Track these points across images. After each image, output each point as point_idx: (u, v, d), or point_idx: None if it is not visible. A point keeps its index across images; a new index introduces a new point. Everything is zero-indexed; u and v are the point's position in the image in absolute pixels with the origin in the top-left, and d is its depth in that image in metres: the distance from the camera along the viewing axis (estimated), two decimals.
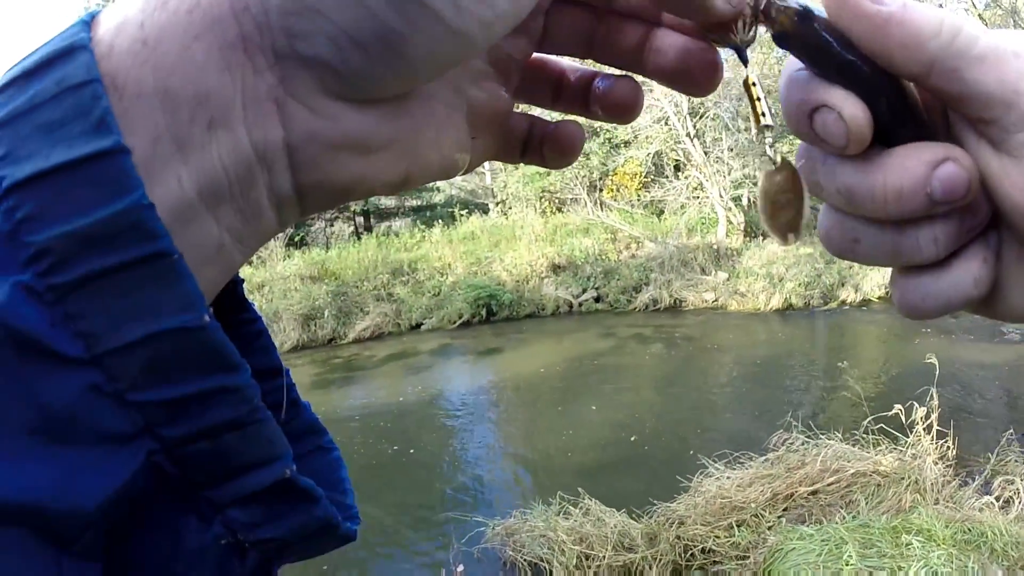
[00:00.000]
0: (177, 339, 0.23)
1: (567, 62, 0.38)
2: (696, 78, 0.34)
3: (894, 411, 4.98)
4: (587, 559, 4.43)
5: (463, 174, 0.36)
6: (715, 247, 14.39)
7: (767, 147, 0.35)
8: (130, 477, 0.23)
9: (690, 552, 4.46)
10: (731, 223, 15.37)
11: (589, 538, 4.54)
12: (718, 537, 4.47)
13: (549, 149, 0.37)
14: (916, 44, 0.28)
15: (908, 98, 0.30)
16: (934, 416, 4.96)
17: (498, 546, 4.79)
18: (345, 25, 0.25)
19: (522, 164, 0.40)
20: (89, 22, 0.25)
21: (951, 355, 6.95)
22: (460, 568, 4.60)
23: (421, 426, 8.14)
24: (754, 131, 0.36)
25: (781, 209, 0.34)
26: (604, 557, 4.39)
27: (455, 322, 13.41)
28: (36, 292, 0.21)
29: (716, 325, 11.82)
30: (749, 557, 4.23)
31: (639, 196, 17.28)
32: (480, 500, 6.03)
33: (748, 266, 13.45)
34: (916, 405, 5.00)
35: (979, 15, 12.35)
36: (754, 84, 0.34)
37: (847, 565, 3.52)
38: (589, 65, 0.38)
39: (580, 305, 13.95)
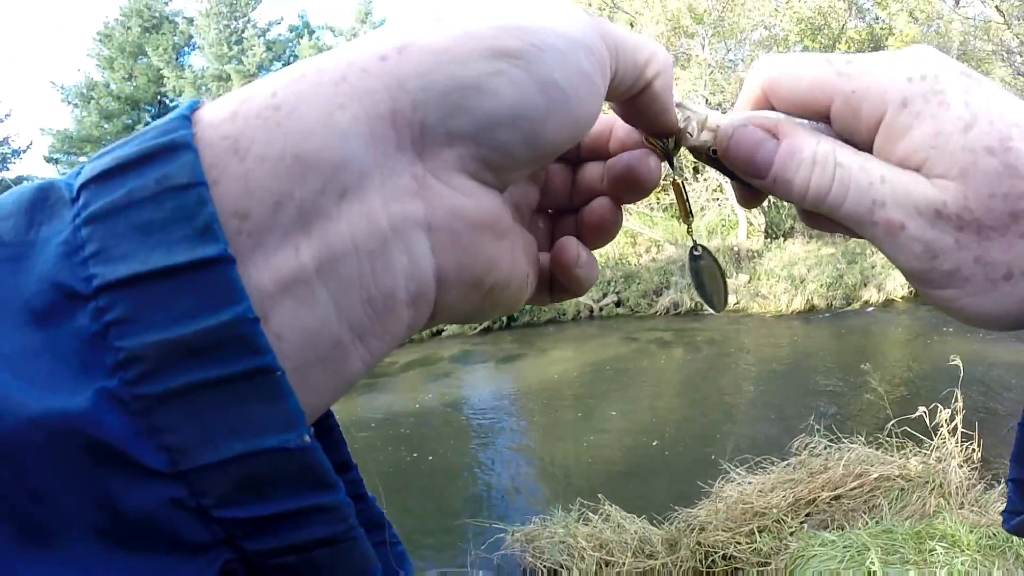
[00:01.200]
0: (275, 459, 0.22)
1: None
2: (640, 175, 0.38)
3: (918, 413, 4.90)
4: (607, 565, 4.40)
5: (519, 308, 0.38)
6: (736, 249, 14.31)
7: (692, 237, 0.44)
8: None
9: (711, 559, 4.42)
10: (751, 225, 15.27)
11: (609, 544, 4.52)
12: (739, 543, 4.42)
13: (558, 274, 0.39)
14: (786, 196, 0.38)
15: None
16: (959, 418, 4.88)
17: (518, 552, 4.77)
18: (501, 103, 0.27)
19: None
20: (190, 116, 0.24)
21: (975, 356, 6.84)
22: (480, 574, 4.60)
23: (441, 432, 8.15)
24: (684, 224, 0.46)
25: (706, 285, 0.45)
26: (624, 564, 4.36)
27: (476, 328, 13.43)
28: (122, 401, 0.20)
29: (737, 328, 11.74)
30: (771, 564, 4.18)
31: (658, 199, 17.20)
32: (500, 506, 6.02)
33: (769, 268, 13.36)
34: (940, 407, 4.92)
35: (996, 7, 12.19)
36: (679, 184, 0.44)
37: (870, 572, 3.47)
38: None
39: (601, 310, 13.93)
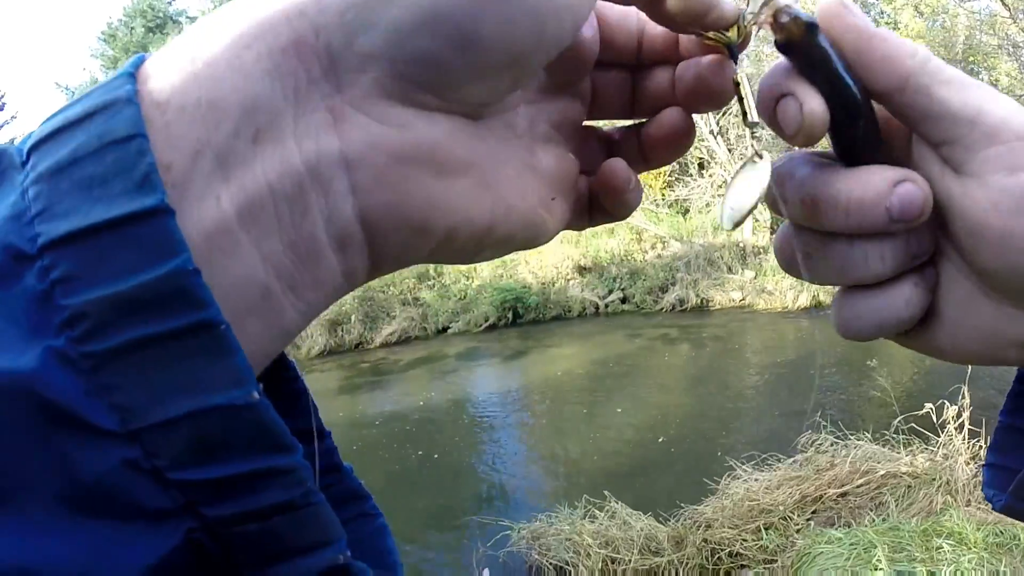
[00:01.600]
0: (224, 417, 0.21)
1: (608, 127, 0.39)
2: (713, 89, 0.34)
3: (925, 410, 4.89)
4: (613, 563, 4.41)
5: (546, 241, 0.35)
6: (741, 245, 14.28)
7: (752, 141, 0.37)
8: (167, 554, 0.21)
9: (717, 556, 4.42)
10: (757, 220, 15.24)
11: (615, 541, 4.52)
12: (745, 540, 4.43)
13: (604, 199, 0.35)
14: (896, 58, 0.30)
15: (879, 128, 0.32)
16: (966, 415, 4.87)
17: (524, 550, 4.78)
18: (409, 9, 0.24)
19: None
20: (134, 73, 0.23)
21: None
22: (486, 572, 4.60)
23: (447, 430, 8.16)
24: (745, 128, 0.38)
25: (732, 190, 0.37)
26: (630, 561, 4.37)
27: (481, 325, 13.44)
28: (70, 359, 0.20)
29: (743, 325, 11.73)
30: (777, 561, 4.18)
31: (664, 195, 17.17)
32: (506, 503, 6.03)
33: (775, 264, 13.29)
34: (947, 404, 4.91)
35: (1002, 1, 12.14)
36: (739, 84, 0.36)
37: (876, 569, 3.47)
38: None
39: (606, 306, 13.92)
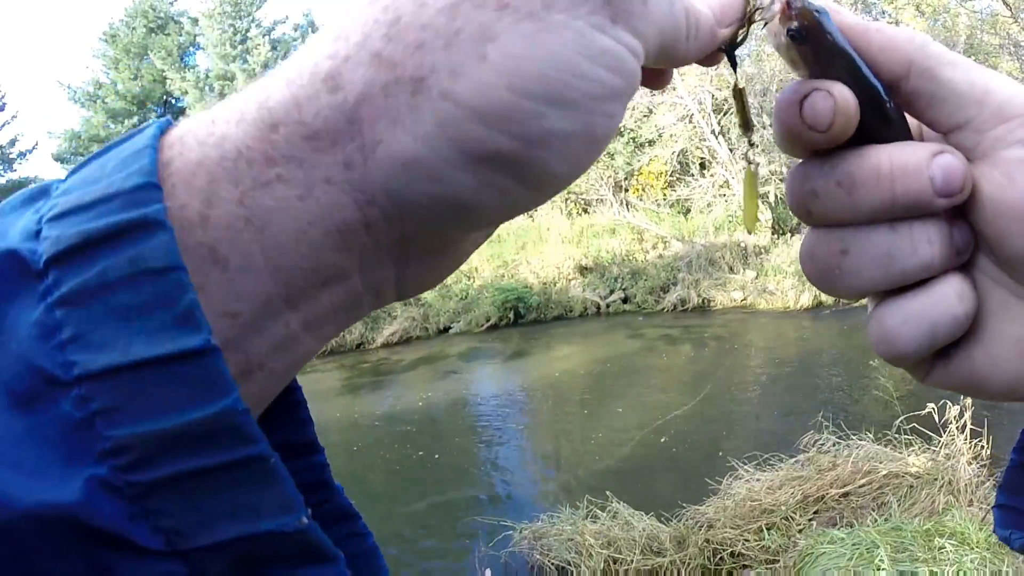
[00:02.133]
0: (273, 540, 0.22)
1: None
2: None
3: (927, 410, 4.89)
4: (615, 563, 4.41)
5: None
6: (743, 245, 14.27)
7: (750, 147, 0.38)
8: None
9: (719, 556, 4.42)
10: (759, 221, 15.23)
11: (617, 542, 4.52)
12: (747, 540, 4.43)
13: None
14: (895, 46, 0.31)
15: (903, 112, 0.32)
16: (967, 415, 4.87)
17: (526, 550, 4.78)
18: (487, 215, 0.27)
19: None
20: (155, 181, 0.23)
21: None
22: (488, 572, 4.60)
23: (449, 430, 8.16)
24: (742, 135, 0.39)
25: (752, 201, 0.40)
26: (632, 561, 4.37)
27: (483, 325, 13.44)
28: (114, 487, 0.20)
29: (745, 324, 11.72)
30: (779, 561, 4.18)
31: (665, 195, 17.18)
32: (508, 504, 6.03)
33: (776, 264, 13.32)
34: (949, 404, 4.91)
35: (1003, 0, 12.13)
36: (741, 90, 0.37)
37: (879, 570, 3.47)
38: None
39: (608, 306, 13.91)
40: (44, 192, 0.24)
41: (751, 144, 0.39)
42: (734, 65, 0.35)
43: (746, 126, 0.38)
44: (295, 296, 0.24)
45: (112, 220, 0.21)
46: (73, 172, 0.24)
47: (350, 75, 0.24)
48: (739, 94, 0.37)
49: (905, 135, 0.31)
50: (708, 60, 0.33)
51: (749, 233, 0.37)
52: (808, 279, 0.35)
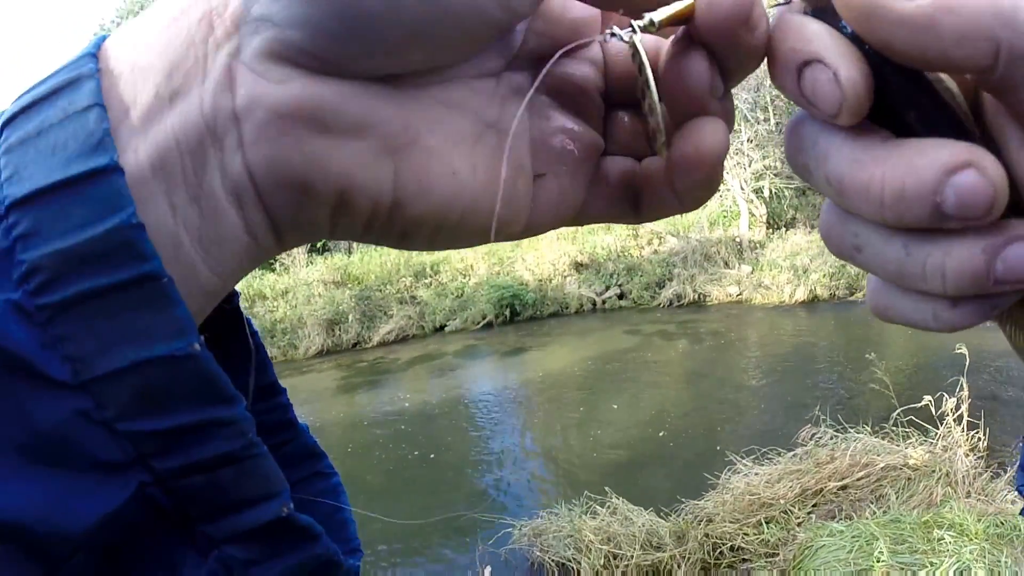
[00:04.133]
0: (167, 368, 0.22)
1: None
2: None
3: (924, 402, 4.91)
4: (615, 559, 4.41)
5: (529, 230, 0.30)
6: (738, 240, 14.29)
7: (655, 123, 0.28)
8: (121, 505, 0.22)
9: (719, 550, 4.43)
10: (753, 215, 15.25)
11: (617, 537, 4.53)
12: (747, 534, 4.43)
13: (677, 177, 0.29)
14: (976, 37, 0.20)
15: (939, 81, 0.23)
16: (964, 407, 4.89)
17: (525, 547, 4.78)
18: None
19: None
20: (96, 53, 0.25)
21: (981, 344, 6.83)
22: (488, 569, 4.60)
23: (447, 428, 8.16)
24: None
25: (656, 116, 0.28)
26: (632, 557, 4.37)
27: (479, 323, 13.44)
28: (26, 311, 0.21)
29: (741, 319, 11.73)
30: (778, 554, 4.19)
31: None
32: (507, 501, 6.03)
33: (772, 258, 13.34)
34: (946, 396, 4.92)
35: None
36: (636, 51, 0.28)
37: (878, 562, 3.47)
38: None
39: (604, 303, 13.92)
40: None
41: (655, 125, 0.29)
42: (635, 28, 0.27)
43: (644, 98, 0.29)
44: (146, 108, 0.24)
45: (55, 80, 0.24)
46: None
47: None
48: (633, 57, 0.28)
49: (940, 127, 0.23)
50: None
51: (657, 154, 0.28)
52: (829, 251, 0.28)
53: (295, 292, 14.47)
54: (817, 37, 0.23)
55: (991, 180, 0.21)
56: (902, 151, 0.23)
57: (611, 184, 0.31)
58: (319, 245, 18.14)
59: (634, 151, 0.31)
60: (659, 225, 15.70)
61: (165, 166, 0.24)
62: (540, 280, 14.49)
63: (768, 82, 15.05)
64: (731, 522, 4.54)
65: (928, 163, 0.22)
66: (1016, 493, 3.99)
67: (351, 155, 0.25)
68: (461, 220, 0.28)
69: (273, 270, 15.94)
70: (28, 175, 0.22)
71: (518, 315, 13.64)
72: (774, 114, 15.30)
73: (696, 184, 0.29)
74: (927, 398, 4.89)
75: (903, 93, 0.23)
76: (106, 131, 0.22)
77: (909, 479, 4.55)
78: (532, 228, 0.30)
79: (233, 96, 0.24)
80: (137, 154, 0.24)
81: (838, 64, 0.22)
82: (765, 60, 0.26)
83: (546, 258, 14.91)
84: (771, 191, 15.43)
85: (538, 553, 4.65)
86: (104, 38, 0.26)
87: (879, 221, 0.24)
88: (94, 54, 0.25)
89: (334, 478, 0.38)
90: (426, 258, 15.59)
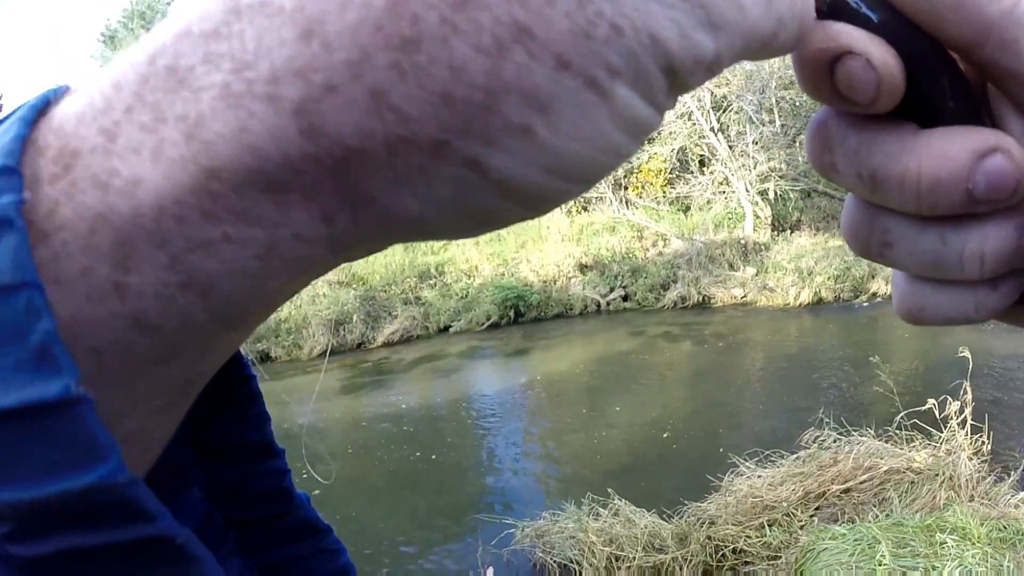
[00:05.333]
0: None
1: None
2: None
3: (927, 406, 4.89)
4: (617, 560, 4.42)
5: None
6: (743, 242, 14.27)
7: None
8: None
9: (721, 552, 4.43)
10: (758, 217, 15.23)
11: (619, 539, 4.53)
12: (749, 537, 4.43)
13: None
14: (972, 5, 0.22)
15: (959, 71, 0.24)
16: (968, 410, 4.88)
17: (528, 548, 4.79)
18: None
19: None
20: (15, 164, 0.17)
21: (985, 348, 6.82)
22: (490, 570, 4.61)
23: (450, 428, 8.16)
24: None
25: None
26: (634, 558, 4.37)
27: (483, 324, 13.42)
28: (2, 557, 0.17)
29: (745, 321, 11.71)
30: (781, 557, 4.18)
31: (664, 193, 17.17)
32: (510, 502, 6.03)
33: (777, 260, 13.32)
34: (949, 399, 4.91)
35: None
36: None
37: (880, 565, 3.47)
38: None
39: (608, 304, 13.90)
40: None
41: None
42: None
43: None
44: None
45: None
46: None
47: (335, 116, 0.17)
48: None
49: (960, 108, 0.24)
50: None
51: None
52: (854, 253, 0.29)
53: (300, 293, 14.47)
54: (842, 32, 0.23)
55: (1018, 163, 0.23)
56: (932, 140, 0.23)
57: None
58: None
59: None
60: (664, 227, 15.70)
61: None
62: (544, 281, 14.48)
63: (774, 84, 15.02)
64: (733, 524, 4.54)
65: (959, 150, 0.23)
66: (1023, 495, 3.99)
67: None
68: None
69: None
70: None
71: (522, 316, 13.63)
72: (779, 116, 15.28)
73: None
74: (931, 401, 4.88)
75: (927, 81, 0.24)
76: (49, 335, 0.16)
77: (912, 482, 4.54)
78: None
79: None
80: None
81: (870, 51, 0.22)
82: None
83: (551, 259, 14.90)
84: (776, 193, 15.41)
85: (540, 554, 4.66)
86: (28, 127, 0.18)
87: (914, 212, 0.25)
88: (14, 168, 0.17)
89: (342, 557, 0.35)
90: (431, 258, 15.60)
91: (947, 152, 0.23)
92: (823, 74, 0.23)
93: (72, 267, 0.17)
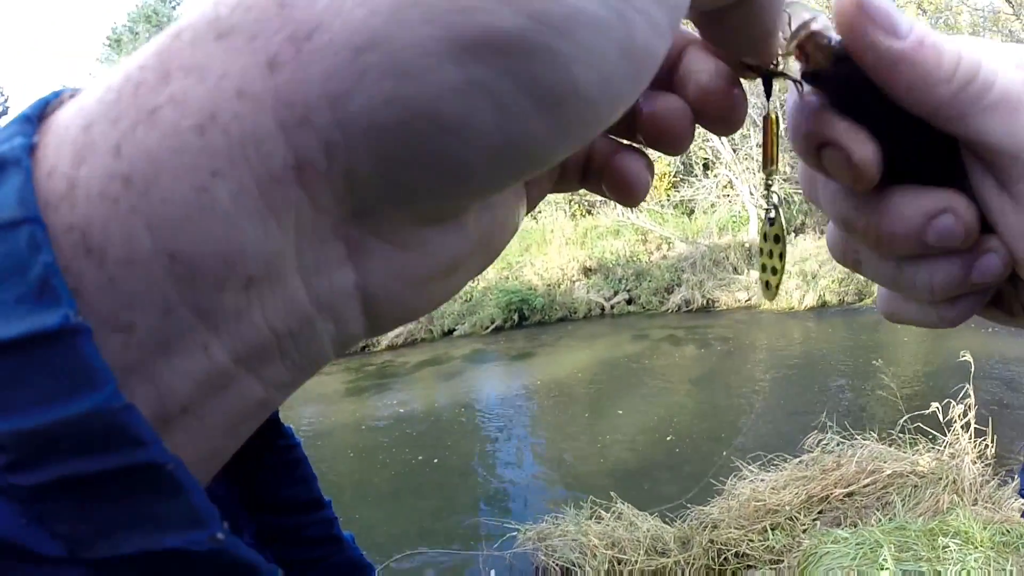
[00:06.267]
0: (186, 558, 0.18)
1: None
2: (720, 114, 0.28)
3: (931, 409, 4.89)
4: (619, 563, 4.40)
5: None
6: (747, 246, 14.26)
7: (770, 191, 0.35)
8: None
9: (723, 556, 4.42)
10: (762, 220, 15.22)
11: (621, 542, 4.52)
12: (752, 541, 4.42)
13: (608, 184, 0.29)
14: (923, 87, 0.25)
15: (925, 137, 0.28)
16: (971, 414, 4.86)
17: (530, 551, 4.78)
18: (478, 142, 0.19)
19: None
20: (35, 117, 0.18)
21: (989, 351, 6.81)
22: (492, 573, 4.61)
23: (453, 432, 8.16)
24: (762, 170, 0.34)
25: (767, 259, 0.36)
26: (636, 562, 4.36)
27: (487, 327, 13.42)
28: (0, 488, 0.17)
29: (749, 325, 11.70)
30: (783, 561, 4.17)
31: (669, 196, 17.17)
32: (512, 505, 6.03)
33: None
34: (953, 403, 4.90)
35: None
36: (773, 121, 0.32)
37: (883, 569, 3.46)
38: None
39: (612, 308, 13.90)
40: None
41: (769, 188, 0.34)
42: (769, 92, 0.30)
43: (768, 162, 0.33)
44: (206, 305, 0.18)
45: None
46: None
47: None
48: (769, 124, 0.32)
49: (922, 175, 0.28)
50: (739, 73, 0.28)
51: (769, 300, 0.37)
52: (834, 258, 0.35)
53: None
54: (828, 123, 0.27)
55: (963, 220, 0.28)
56: (892, 201, 0.28)
57: (568, 170, 0.30)
58: None
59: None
60: (668, 230, 15.68)
61: (258, 355, 0.20)
62: (549, 285, 14.48)
63: (777, 87, 15.03)
64: (736, 528, 4.52)
65: (913, 212, 0.28)
66: (1020, 497, 3.97)
67: (462, 279, 0.26)
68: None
69: None
70: None
71: (526, 320, 13.63)
72: (784, 119, 15.28)
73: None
74: (934, 405, 4.87)
75: (897, 148, 0.28)
76: (48, 266, 0.16)
77: (916, 486, 4.53)
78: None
79: (358, 272, 0.21)
80: (209, 351, 0.19)
81: (851, 147, 0.27)
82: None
83: (555, 263, 14.91)
84: (779, 196, 15.37)
85: (542, 557, 4.65)
86: (47, 102, 0.19)
87: (880, 254, 0.30)
88: (32, 117, 0.18)
89: None
90: None
91: (903, 213, 0.28)
92: (812, 153, 0.28)
93: (42, 169, 0.17)
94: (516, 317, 13.56)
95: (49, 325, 0.16)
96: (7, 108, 23.72)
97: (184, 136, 0.17)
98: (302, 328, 0.21)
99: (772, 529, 4.46)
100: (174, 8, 25.25)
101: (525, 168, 0.20)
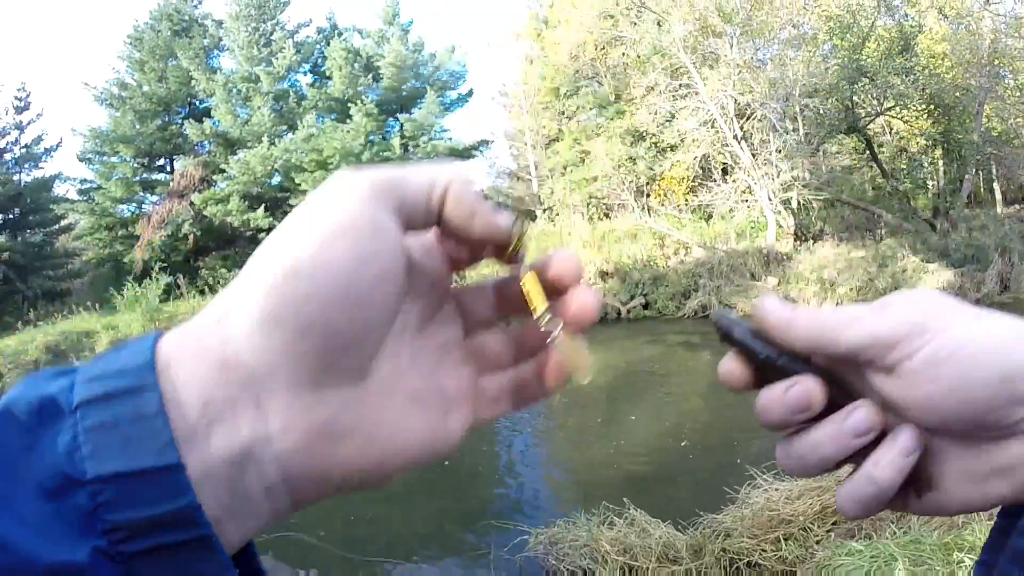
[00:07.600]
0: None
1: None
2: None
3: None
4: (631, 571, 4.40)
5: (453, 446, 0.42)
6: (765, 252, 14.19)
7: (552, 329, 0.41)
8: None
9: (735, 565, 4.40)
10: (781, 227, 15.13)
11: (633, 549, 4.51)
12: (764, 551, 4.40)
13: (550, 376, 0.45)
14: (830, 338, 0.42)
15: (797, 358, 0.44)
16: None
17: (540, 555, 4.78)
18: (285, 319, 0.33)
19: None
20: (152, 364, 0.32)
21: None
22: None
23: (466, 434, 8.15)
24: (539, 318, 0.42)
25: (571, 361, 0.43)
26: (648, 569, 4.35)
27: None
28: (110, 555, 0.29)
29: None
30: (796, 572, 4.15)
31: (687, 200, 17.13)
32: (523, 509, 6.03)
33: (799, 271, 13.23)
34: None
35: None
36: (525, 287, 0.42)
37: None
38: None
39: (628, 312, 13.89)
40: (68, 371, 0.33)
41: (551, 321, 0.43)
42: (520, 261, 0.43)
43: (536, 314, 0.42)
44: (185, 435, 0.31)
45: (124, 384, 0.31)
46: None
47: None
48: (524, 289, 0.43)
49: (795, 371, 0.43)
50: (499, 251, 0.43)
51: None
52: None
53: None
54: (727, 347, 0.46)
55: (806, 389, 0.42)
56: (770, 388, 0.43)
57: (493, 394, 0.45)
58: None
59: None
60: (686, 235, 15.63)
61: (215, 476, 0.32)
62: None
63: (798, 91, 14.93)
64: (749, 537, 4.50)
65: (778, 391, 0.43)
66: None
67: (349, 454, 0.36)
68: (421, 458, 0.39)
69: None
70: (108, 457, 0.29)
71: None
72: (803, 124, 15.19)
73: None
74: None
75: (784, 370, 0.43)
76: (171, 437, 0.30)
77: None
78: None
79: (267, 424, 0.33)
80: (192, 459, 0.31)
81: (723, 361, 0.46)
82: None
83: None
84: (799, 202, 15.31)
85: (553, 562, 4.64)
86: (155, 340, 0.34)
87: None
88: (151, 366, 0.32)
89: None
90: None
91: (773, 393, 0.43)
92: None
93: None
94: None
95: (170, 462, 0.30)
96: (28, 104, 23.96)
97: (205, 346, 0.34)
98: (240, 462, 0.33)
99: (785, 539, 4.44)
100: (195, 7, 25.44)
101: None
